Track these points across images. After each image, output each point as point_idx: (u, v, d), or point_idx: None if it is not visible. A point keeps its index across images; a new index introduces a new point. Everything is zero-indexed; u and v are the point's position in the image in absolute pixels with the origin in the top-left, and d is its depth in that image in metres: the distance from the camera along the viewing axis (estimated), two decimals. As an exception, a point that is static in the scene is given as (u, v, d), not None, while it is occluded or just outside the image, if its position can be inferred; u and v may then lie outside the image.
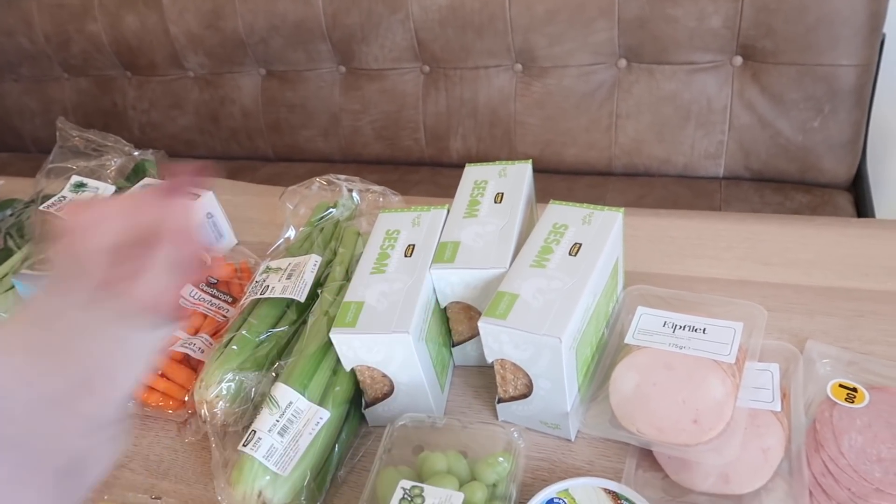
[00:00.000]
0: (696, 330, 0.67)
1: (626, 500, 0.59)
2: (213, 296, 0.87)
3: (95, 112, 1.88)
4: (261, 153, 1.74)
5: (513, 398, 0.66)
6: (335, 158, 1.67)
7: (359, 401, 0.72)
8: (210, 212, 0.97)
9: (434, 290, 0.69)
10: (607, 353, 0.69)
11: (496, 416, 0.70)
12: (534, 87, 1.42)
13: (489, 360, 0.64)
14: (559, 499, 0.60)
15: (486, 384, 0.74)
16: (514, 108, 1.45)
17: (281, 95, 1.65)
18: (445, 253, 0.69)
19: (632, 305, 0.72)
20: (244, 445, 0.63)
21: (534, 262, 0.65)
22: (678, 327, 0.67)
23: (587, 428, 0.65)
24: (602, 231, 0.68)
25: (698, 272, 0.83)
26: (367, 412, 0.71)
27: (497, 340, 0.61)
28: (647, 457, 0.64)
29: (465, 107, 1.50)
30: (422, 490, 0.55)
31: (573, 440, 0.67)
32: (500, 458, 0.58)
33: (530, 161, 0.79)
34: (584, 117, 1.41)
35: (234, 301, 0.87)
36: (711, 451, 0.59)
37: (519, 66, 1.42)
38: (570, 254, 0.66)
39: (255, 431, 0.63)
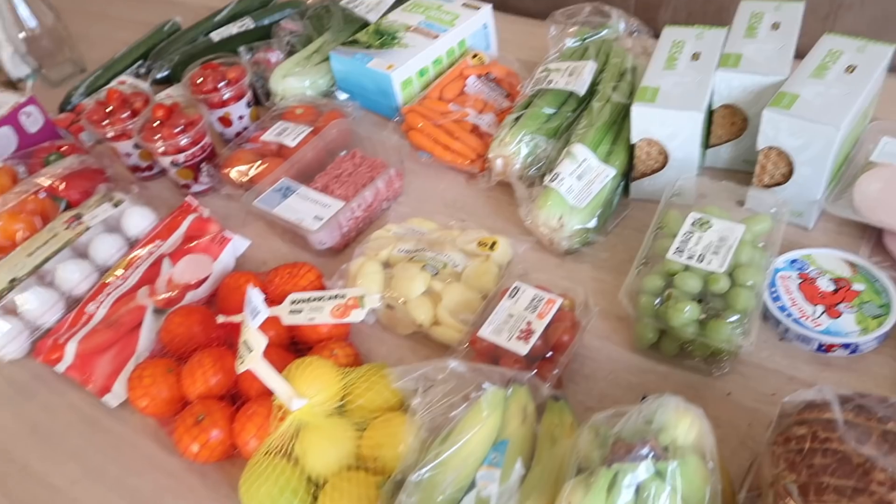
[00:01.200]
0: (939, 157, 0.78)
1: (862, 269, 0.72)
2: (490, 89, 1.04)
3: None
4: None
5: (767, 186, 0.80)
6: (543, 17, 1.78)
7: (627, 177, 0.88)
8: (485, 23, 1.12)
9: (713, 91, 0.82)
10: (853, 166, 0.81)
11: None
12: (759, -34, 1.46)
13: (760, 146, 0.77)
14: (803, 259, 0.75)
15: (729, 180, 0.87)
16: (734, -15, 1.50)
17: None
18: (730, 60, 0.82)
19: (877, 135, 0.83)
20: (551, 182, 0.80)
21: (812, 74, 0.77)
22: (923, 153, 0.78)
23: (835, 210, 0.77)
24: (875, 59, 0.78)
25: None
26: (634, 185, 0.87)
27: (775, 128, 0.75)
28: (878, 246, 0.77)
29: (683, -20, 1.56)
30: (709, 220, 0.71)
31: (811, 228, 0.80)
32: (768, 214, 0.73)
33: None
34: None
35: (508, 95, 1.03)
36: (946, 240, 0.71)
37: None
38: (845, 71, 0.77)
39: (558, 173, 0.81)
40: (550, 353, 0.68)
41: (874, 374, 0.68)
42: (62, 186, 1.01)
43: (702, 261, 0.68)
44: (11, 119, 1.11)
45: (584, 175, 0.81)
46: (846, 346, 0.68)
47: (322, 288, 0.84)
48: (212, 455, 0.71)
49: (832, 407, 0.49)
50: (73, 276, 0.91)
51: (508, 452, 0.59)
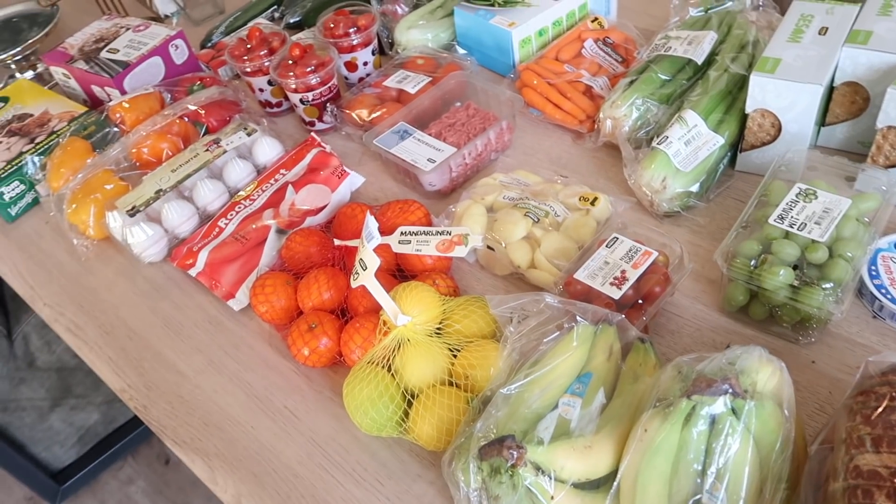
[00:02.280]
0: None
1: (973, 256, 0.72)
2: (606, 53, 1.06)
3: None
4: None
5: (881, 167, 0.80)
6: None
7: (735, 149, 0.89)
8: (607, -12, 1.14)
9: (836, 67, 0.82)
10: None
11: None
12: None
13: (879, 125, 0.77)
14: (909, 242, 0.75)
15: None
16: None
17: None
18: (859, 37, 0.81)
19: None
20: (659, 143, 0.83)
21: (946, 56, 0.76)
22: None
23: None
24: None
25: None
26: (742, 156, 0.88)
27: (898, 108, 0.74)
28: None
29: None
30: (815, 191, 0.72)
31: (922, 214, 0.79)
32: (878, 192, 0.73)
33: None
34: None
35: (623, 61, 1.05)
36: None
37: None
38: (981, 56, 0.75)
39: (667, 136, 0.83)
40: (640, 302, 0.71)
41: (969, 361, 0.68)
42: (203, 113, 1.12)
43: (802, 229, 0.69)
44: (162, 50, 1.23)
45: (693, 141, 0.83)
46: (943, 329, 0.68)
47: (429, 225, 0.90)
48: (319, 360, 0.80)
49: (917, 371, 0.51)
50: (209, 193, 1.01)
51: (591, 384, 0.63)
